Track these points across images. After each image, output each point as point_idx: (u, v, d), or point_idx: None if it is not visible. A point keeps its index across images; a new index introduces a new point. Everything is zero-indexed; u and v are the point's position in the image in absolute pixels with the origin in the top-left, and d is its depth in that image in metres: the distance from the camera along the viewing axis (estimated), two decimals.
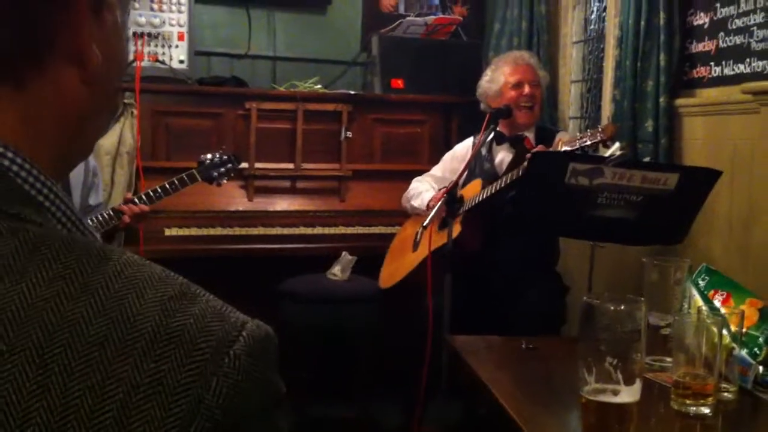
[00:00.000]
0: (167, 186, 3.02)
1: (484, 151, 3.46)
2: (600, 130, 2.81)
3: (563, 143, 2.96)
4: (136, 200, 2.95)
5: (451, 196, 2.95)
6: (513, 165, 3.26)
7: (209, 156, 3.15)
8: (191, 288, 0.58)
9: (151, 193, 2.99)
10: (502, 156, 3.46)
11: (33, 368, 0.50)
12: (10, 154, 0.59)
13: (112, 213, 2.90)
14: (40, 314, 0.52)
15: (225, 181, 3.18)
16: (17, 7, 0.59)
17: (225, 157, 3.16)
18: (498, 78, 3.50)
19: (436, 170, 3.68)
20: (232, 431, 0.53)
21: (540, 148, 3.16)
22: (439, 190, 3.42)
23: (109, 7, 0.66)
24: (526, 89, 3.41)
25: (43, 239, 0.56)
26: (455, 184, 3.03)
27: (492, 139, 3.45)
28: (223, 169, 3.14)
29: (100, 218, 2.89)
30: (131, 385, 0.51)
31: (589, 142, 2.80)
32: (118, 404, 0.50)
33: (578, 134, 3.02)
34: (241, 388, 0.54)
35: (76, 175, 2.91)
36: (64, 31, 0.62)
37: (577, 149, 2.81)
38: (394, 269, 3.53)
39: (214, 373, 0.53)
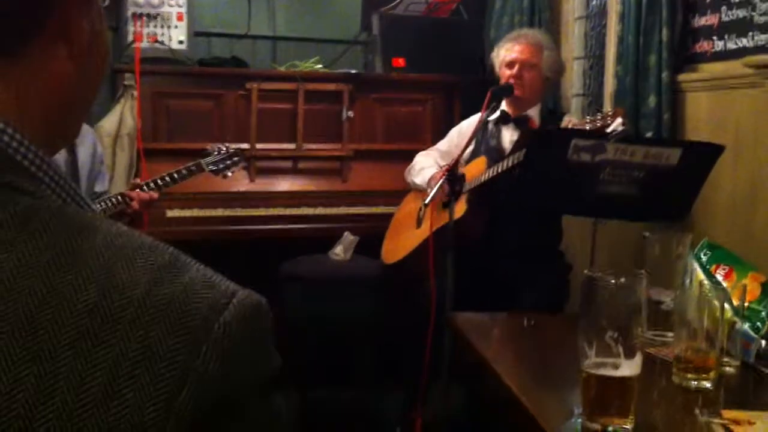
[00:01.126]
0: (174, 174, 3.05)
1: (491, 127, 3.43)
2: (611, 113, 2.77)
3: (573, 125, 2.94)
4: (145, 187, 2.97)
5: (452, 175, 2.94)
6: (518, 145, 3.23)
7: (216, 147, 3.21)
8: (181, 257, 0.58)
9: (159, 181, 3.01)
10: (508, 134, 3.43)
11: (22, 335, 0.51)
12: (1, 125, 0.59)
13: (120, 198, 2.92)
14: (30, 283, 0.52)
15: (230, 174, 3.24)
16: None
17: (231, 150, 3.22)
18: (499, 54, 3.48)
19: (442, 144, 3.66)
20: (223, 398, 0.53)
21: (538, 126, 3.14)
22: (441, 167, 3.40)
23: None
24: (515, 70, 3.36)
25: (34, 211, 0.56)
26: (456, 162, 3.02)
27: (499, 117, 3.42)
28: (229, 162, 3.20)
29: (109, 203, 2.91)
30: (120, 352, 0.51)
31: (597, 126, 2.77)
32: (108, 371, 0.50)
33: (588, 117, 3.00)
34: (232, 355, 0.54)
35: (85, 162, 2.95)
36: (56, 5, 0.62)
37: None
38: (397, 245, 3.51)
39: (205, 341, 0.53)
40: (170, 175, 3.03)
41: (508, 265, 3.24)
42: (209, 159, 3.16)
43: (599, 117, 2.80)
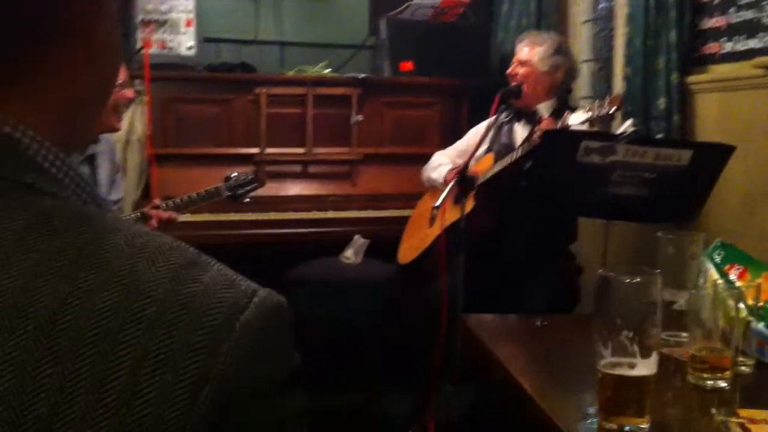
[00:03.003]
0: (195, 196, 3.11)
1: (505, 126, 3.45)
2: (607, 101, 2.79)
3: (568, 117, 2.95)
4: (163, 206, 3.01)
5: (462, 177, 2.95)
6: (527, 141, 3.25)
7: (235, 175, 3.26)
8: (202, 257, 0.58)
9: (179, 201, 3.05)
10: (520, 130, 3.44)
11: (45, 335, 0.51)
12: (21, 127, 0.59)
13: (139, 216, 2.96)
14: (51, 283, 0.52)
15: (248, 200, 3.30)
16: None
17: (250, 177, 3.28)
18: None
19: (461, 143, 3.66)
20: (244, 397, 0.54)
21: (547, 121, 3.15)
22: (454, 169, 3.41)
23: None
24: (510, 68, 3.44)
25: (56, 211, 0.56)
26: (466, 165, 3.02)
27: (513, 115, 3.44)
28: (249, 188, 3.26)
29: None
30: (142, 351, 0.51)
31: (596, 114, 2.79)
32: (129, 370, 0.51)
33: (585, 107, 3.01)
34: (253, 353, 0.54)
35: (105, 171, 2.99)
36: (76, 6, 0.62)
37: (584, 121, 2.81)
38: (412, 244, 3.51)
39: (226, 339, 0.53)
40: (189, 197, 3.09)
41: (517, 263, 3.25)
42: (228, 184, 3.22)
43: (596, 106, 2.82)
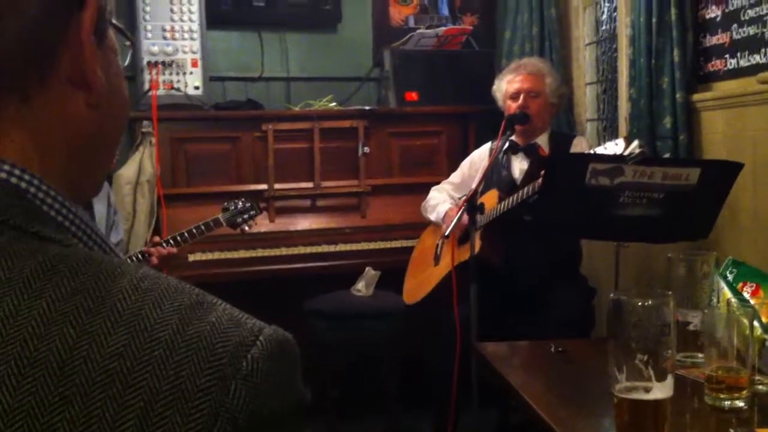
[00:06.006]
0: (193, 230, 3.13)
1: (500, 157, 3.43)
2: (615, 143, 2.76)
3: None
4: (164, 243, 3.02)
5: (471, 205, 2.94)
6: (528, 176, 3.24)
7: (233, 204, 3.29)
8: (207, 297, 0.59)
9: (178, 237, 3.08)
10: (518, 164, 3.44)
11: (54, 381, 0.51)
12: (27, 177, 0.60)
13: (140, 256, 2.97)
14: (60, 328, 0.53)
15: (247, 229, 3.31)
16: (19, 23, 0.59)
17: (248, 205, 3.30)
18: (501, 87, 3.50)
19: (455, 177, 3.67)
20: None
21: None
22: (460, 198, 3.41)
23: (110, 41, 0.67)
24: (520, 101, 3.37)
25: (62, 258, 0.57)
26: (474, 192, 3.02)
27: (508, 147, 3.42)
28: (246, 216, 3.29)
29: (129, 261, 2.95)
30: (151, 392, 0.51)
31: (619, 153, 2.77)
32: (139, 412, 0.51)
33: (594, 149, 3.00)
34: (261, 391, 0.54)
35: (102, 215, 2.99)
36: (67, 51, 0.62)
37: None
38: (418, 284, 3.51)
39: (233, 377, 0.53)
40: (189, 232, 3.12)
41: (529, 287, 3.23)
42: (226, 215, 3.24)
43: (605, 147, 2.80)
